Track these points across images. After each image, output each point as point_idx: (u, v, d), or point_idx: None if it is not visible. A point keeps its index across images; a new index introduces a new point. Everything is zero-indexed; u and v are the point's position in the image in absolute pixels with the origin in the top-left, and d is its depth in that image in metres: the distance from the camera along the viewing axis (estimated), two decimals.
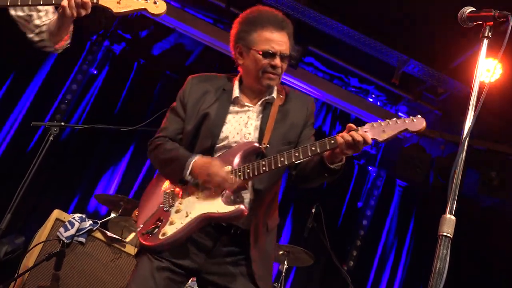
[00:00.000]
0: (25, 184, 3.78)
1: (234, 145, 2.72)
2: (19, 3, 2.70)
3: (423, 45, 6.49)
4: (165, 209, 2.66)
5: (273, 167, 2.56)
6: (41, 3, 2.71)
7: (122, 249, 4.08)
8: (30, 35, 3.03)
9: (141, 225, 2.70)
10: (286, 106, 2.87)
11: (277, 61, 2.76)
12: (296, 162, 2.57)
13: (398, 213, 7.98)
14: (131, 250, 4.10)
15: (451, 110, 7.07)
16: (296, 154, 2.55)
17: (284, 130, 2.79)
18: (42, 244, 3.90)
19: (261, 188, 2.70)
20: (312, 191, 7.00)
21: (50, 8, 3.04)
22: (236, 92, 2.84)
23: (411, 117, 2.52)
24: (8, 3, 2.69)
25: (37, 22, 2.99)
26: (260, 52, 2.75)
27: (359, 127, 2.51)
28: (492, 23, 2.20)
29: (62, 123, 4.18)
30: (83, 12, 2.63)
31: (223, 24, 7.31)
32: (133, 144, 7.25)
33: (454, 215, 1.94)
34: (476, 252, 6.94)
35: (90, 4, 2.62)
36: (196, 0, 7.06)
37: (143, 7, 2.59)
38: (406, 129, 2.49)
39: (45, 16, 3.01)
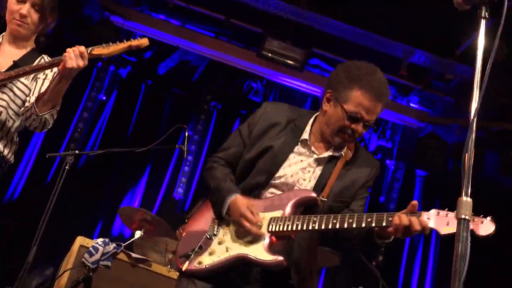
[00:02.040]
0: (47, 216, 3.81)
1: (286, 187, 2.64)
2: (27, 69, 2.92)
3: (427, 34, 6.46)
4: (208, 237, 2.61)
5: (323, 227, 2.45)
6: (46, 65, 2.94)
7: (148, 268, 4.10)
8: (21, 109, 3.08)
9: (181, 247, 2.67)
10: (352, 164, 2.74)
11: (359, 127, 2.64)
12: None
13: (422, 203, 7.76)
14: (157, 268, 4.13)
15: (463, 95, 7.02)
16: (350, 220, 2.41)
17: (343, 186, 2.68)
18: (69, 271, 3.93)
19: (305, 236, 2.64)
20: None
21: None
22: (306, 133, 2.74)
23: (479, 218, 2.31)
24: (15, 74, 2.94)
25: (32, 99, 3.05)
26: (348, 113, 2.61)
27: (422, 212, 2.36)
28: (487, 3, 2.19)
29: (77, 151, 4.21)
30: (81, 63, 2.81)
31: (225, 36, 7.35)
32: (149, 164, 7.29)
33: (474, 198, 1.92)
34: (498, 233, 6.84)
35: (86, 54, 2.83)
36: (195, 15, 7.09)
37: (129, 44, 2.88)
38: (472, 230, 2.25)
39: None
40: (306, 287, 2.67)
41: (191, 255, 2.56)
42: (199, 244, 2.58)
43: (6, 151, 3.02)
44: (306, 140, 2.72)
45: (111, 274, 4.03)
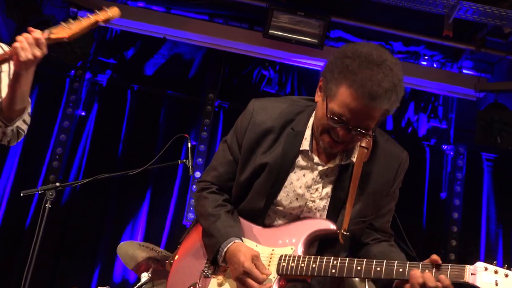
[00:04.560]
0: (31, 267, 3.78)
1: (293, 212, 2.74)
2: None
3: None
4: (204, 275, 2.74)
5: (344, 275, 2.52)
6: None
7: None
8: None
9: (172, 281, 2.83)
10: (370, 166, 2.73)
11: (342, 132, 2.56)
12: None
13: (495, 194, 7.73)
14: None
15: None
16: (378, 269, 2.48)
17: (363, 203, 2.72)
18: None
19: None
20: None
21: None
22: (307, 141, 2.73)
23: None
24: None
25: None
26: (330, 112, 2.56)
27: (466, 266, 2.38)
28: None
29: (58, 184, 4.16)
30: (39, 53, 2.79)
31: (221, 18, 7.32)
32: (149, 188, 7.23)
33: None
34: None
35: (44, 40, 2.81)
36: None
37: (95, 19, 2.92)
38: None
39: None
40: None
41: None
42: (195, 281, 2.73)
43: None
44: (306, 151, 2.73)
45: None
